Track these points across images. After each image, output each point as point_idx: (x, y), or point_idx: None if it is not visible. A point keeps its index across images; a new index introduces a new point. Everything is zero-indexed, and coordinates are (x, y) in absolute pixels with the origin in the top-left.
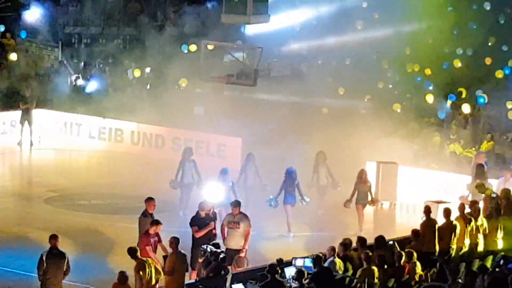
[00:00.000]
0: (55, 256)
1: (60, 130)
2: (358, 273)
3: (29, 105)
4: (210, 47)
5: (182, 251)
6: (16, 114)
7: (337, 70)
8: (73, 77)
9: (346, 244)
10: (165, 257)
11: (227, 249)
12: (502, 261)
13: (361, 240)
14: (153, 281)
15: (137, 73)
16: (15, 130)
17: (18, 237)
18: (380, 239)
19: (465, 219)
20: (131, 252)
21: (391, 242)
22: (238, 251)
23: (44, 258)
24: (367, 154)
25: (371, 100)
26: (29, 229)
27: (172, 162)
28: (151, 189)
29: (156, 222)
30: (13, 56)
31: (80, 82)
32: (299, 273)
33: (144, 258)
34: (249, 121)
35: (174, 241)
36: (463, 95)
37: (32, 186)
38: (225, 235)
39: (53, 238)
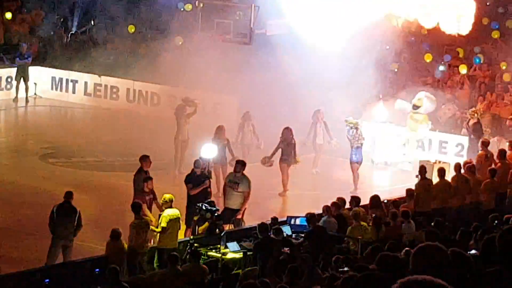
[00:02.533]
0: (65, 209)
1: (55, 87)
2: (348, 231)
3: (25, 61)
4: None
5: (175, 209)
6: (12, 70)
7: None
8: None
9: (338, 203)
10: (160, 215)
11: (225, 208)
12: (496, 221)
13: (355, 199)
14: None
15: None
16: (11, 86)
17: (12, 194)
18: (375, 198)
19: (461, 178)
20: (136, 208)
21: (385, 201)
22: (236, 211)
23: (54, 209)
24: (364, 114)
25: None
26: (23, 186)
27: (168, 119)
28: (147, 147)
29: (147, 179)
30: (8, 15)
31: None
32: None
33: (145, 218)
34: (245, 80)
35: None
36: (460, 55)
37: (27, 143)
38: (225, 194)
39: (68, 193)
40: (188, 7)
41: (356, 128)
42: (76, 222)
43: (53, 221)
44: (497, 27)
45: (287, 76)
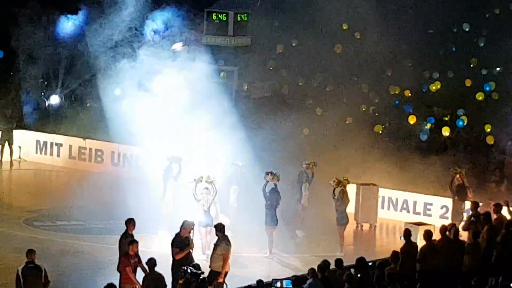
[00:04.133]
0: (31, 269)
1: (40, 150)
2: None
3: (9, 125)
4: None
5: (158, 272)
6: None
7: (318, 92)
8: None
9: (324, 266)
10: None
11: (210, 270)
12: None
13: (338, 262)
14: None
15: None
16: None
17: None
18: (361, 260)
19: (447, 240)
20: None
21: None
22: (218, 273)
23: (19, 272)
24: (348, 176)
25: (351, 122)
26: (6, 250)
27: (153, 182)
28: (131, 210)
29: (131, 242)
30: None
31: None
32: None
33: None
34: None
35: (150, 263)
36: (446, 118)
37: (12, 207)
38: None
39: (30, 252)
40: None
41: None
42: (44, 280)
43: (21, 283)
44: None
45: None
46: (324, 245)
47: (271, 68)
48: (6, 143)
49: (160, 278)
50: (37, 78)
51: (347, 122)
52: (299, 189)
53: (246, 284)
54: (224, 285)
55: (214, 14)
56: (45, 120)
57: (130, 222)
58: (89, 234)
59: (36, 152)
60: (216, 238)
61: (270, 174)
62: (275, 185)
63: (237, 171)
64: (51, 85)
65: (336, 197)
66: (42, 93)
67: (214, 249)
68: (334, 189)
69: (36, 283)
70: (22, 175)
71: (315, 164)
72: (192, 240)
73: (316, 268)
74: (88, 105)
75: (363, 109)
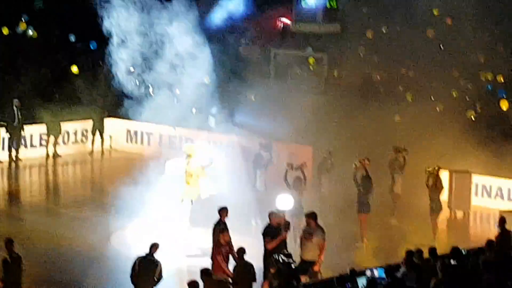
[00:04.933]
0: (147, 262)
1: (130, 139)
2: (432, 283)
3: (101, 115)
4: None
5: (248, 261)
6: (86, 123)
7: (408, 78)
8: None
9: (412, 254)
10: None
11: (301, 259)
12: None
13: (432, 251)
14: None
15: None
16: (86, 139)
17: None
18: (455, 249)
19: None
20: (203, 273)
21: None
22: (312, 262)
23: (137, 262)
24: (440, 163)
25: (443, 108)
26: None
27: (245, 170)
28: (224, 198)
29: (222, 230)
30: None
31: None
32: (371, 283)
33: (217, 278)
34: (320, 129)
35: (239, 252)
36: None
37: (102, 195)
38: (301, 246)
39: (152, 245)
40: None
41: None
42: (156, 275)
43: (135, 273)
44: None
45: (360, 126)
46: (418, 234)
47: (361, 55)
48: (98, 132)
49: (249, 267)
50: (127, 67)
51: (437, 109)
52: (391, 177)
53: (337, 273)
54: (318, 274)
55: (303, 1)
56: (135, 109)
57: (224, 210)
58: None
59: (127, 141)
60: (306, 226)
61: (361, 162)
62: (366, 172)
63: (327, 159)
64: (140, 74)
65: (430, 185)
66: (134, 82)
67: (308, 238)
68: (428, 177)
69: (149, 277)
70: (112, 164)
71: (406, 150)
72: (285, 229)
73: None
74: (178, 92)
75: (454, 95)
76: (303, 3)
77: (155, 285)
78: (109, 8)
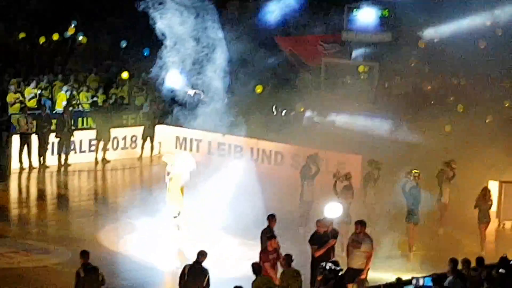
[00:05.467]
0: (196, 270)
1: (179, 145)
2: None
3: (151, 121)
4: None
5: (295, 268)
6: (136, 129)
7: (460, 88)
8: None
9: (456, 262)
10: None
11: (348, 267)
12: None
13: (479, 260)
14: None
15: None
16: (136, 146)
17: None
18: (503, 259)
19: None
20: (254, 268)
21: None
22: (359, 271)
23: (186, 270)
24: (490, 173)
25: (493, 119)
26: None
27: (292, 179)
28: (272, 206)
29: (270, 237)
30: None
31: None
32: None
33: (266, 277)
34: (368, 139)
35: (286, 259)
36: None
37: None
38: (348, 254)
39: (200, 253)
40: None
41: None
42: (205, 284)
43: (184, 281)
44: None
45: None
46: (465, 244)
47: (412, 64)
48: (148, 138)
49: (297, 274)
50: (179, 74)
51: (488, 119)
52: (439, 187)
53: (384, 281)
54: (366, 282)
55: (354, 9)
56: (185, 116)
57: (272, 218)
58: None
59: (176, 148)
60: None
61: (410, 173)
62: (416, 183)
63: (374, 169)
64: (189, 80)
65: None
66: (184, 89)
67: (356, 246)
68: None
69: (198, 285)
70: (160, 170)
71: (454, 163)
72: (332, 236)
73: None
74: (226, 100)
75: (507, 105)
76: (355, 12)
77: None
78: (162, 13)
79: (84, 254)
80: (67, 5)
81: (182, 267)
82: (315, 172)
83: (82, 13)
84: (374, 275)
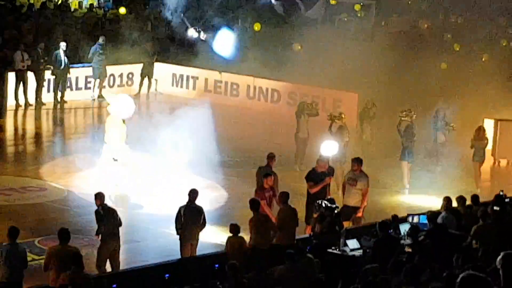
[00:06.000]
0: (192, 210)
1: (176, 83)
2: (473, 229)
3: (150, 59)
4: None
5: (292, 206)
6: (132, 67)
7: (455, 27)
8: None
9: (449, 200)
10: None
11: (344, 205)
12: None
13: (474, 198)
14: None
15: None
16: (132, 83)
17: None
18: (498, 197)
19: None
20: (252, 204)
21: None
22: (355, 208)
23: (182, 211)
24: (485, 111)
25: (488, 58)
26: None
27: (288, 117)
28: (268, 143)
29: (266, 175)
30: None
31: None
32: (414, 229)
33: (264, 214)
34: (365, 76)
35: (282, 196)
36: None
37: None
38: (344, 192)
39: (192, 192)
40: None
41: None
42: (201, 222)
43: (181, 222)
44: None
45: (406, 74)
46: (461, 182)
47: (409, 2)
48: (146, 76)
49: (293, 211)
50: (176, 11)
51: (483, 59)
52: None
53: (381, 219)
54: (362, 220)
55: None
56: (182, 53)
57: (271, 156)
58: (227, 168)
59: (172, 85)
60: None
61: (405, 112)
62: (411, 121)
63: (370, 107)
64: (189, 18)
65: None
66: (182, 27)
67: (351, 184)
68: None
69: (196, 224)
70: (158, 108)
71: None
72: (328, 174)
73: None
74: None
75: (504, 44)
76: None
77: (201, 230)
78: None
79: (99, 195)
80: None
81: (178, 209)
82: (312, 113)
83: None
84: (369, 211)
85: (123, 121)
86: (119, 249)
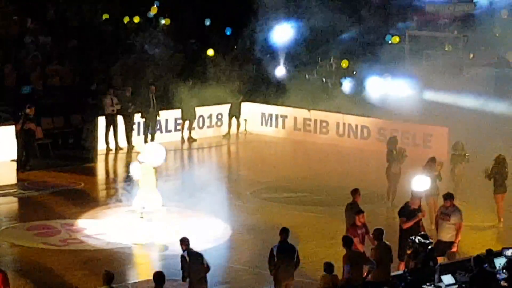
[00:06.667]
0: (285, 248)
1: (265, 122)
2: None
3: (237, 99)
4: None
5: (387, 242)
6: (221, 107)
7: None
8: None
9: None
10: (372, 248)
11: (438, 240)
12: None
13: None
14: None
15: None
16: (221, 123)
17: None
18: None
19: None
20: (346, 241)
21: None
22: (449, 243)
23: (274, 250)
24: None
25: None
26: (236, 222)
27: (378, 153)
28: (359, 180)
29: (358, 212)
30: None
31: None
32: (509, 263)
33: (357, 250)
34: (456, 110)
35: (377, 233)
36: None
37: (239, 179)
38: (437, 227)
39: (284, 230)
40: (395, 39)
41: None
42: (295, 260)
43: (274, 262)
44: None
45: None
46: None
47: (497, 35)
48: (234, 116)
49: (387, 248)
50: (264, 51)
51: None
52: None
53: (471, 254)
54: (456, 255)
55: None
56: (270, 92)
57: (356, 192)
58: (315, 206)
59: (262, 125)
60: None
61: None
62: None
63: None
64: (276, 57)
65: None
66: (270, 66)
67: (445, 219)
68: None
69: (289, 263)
70: (248, 148)
71: None
72: (422, 209)
73: None
74: (307, 77)
75: None
76: None
77: (295, 269)
78: None
79: (184, 240)
80: None
81: (270, 249)
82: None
83: None
84: (465, 246)
85: (155, 169)
86: None
